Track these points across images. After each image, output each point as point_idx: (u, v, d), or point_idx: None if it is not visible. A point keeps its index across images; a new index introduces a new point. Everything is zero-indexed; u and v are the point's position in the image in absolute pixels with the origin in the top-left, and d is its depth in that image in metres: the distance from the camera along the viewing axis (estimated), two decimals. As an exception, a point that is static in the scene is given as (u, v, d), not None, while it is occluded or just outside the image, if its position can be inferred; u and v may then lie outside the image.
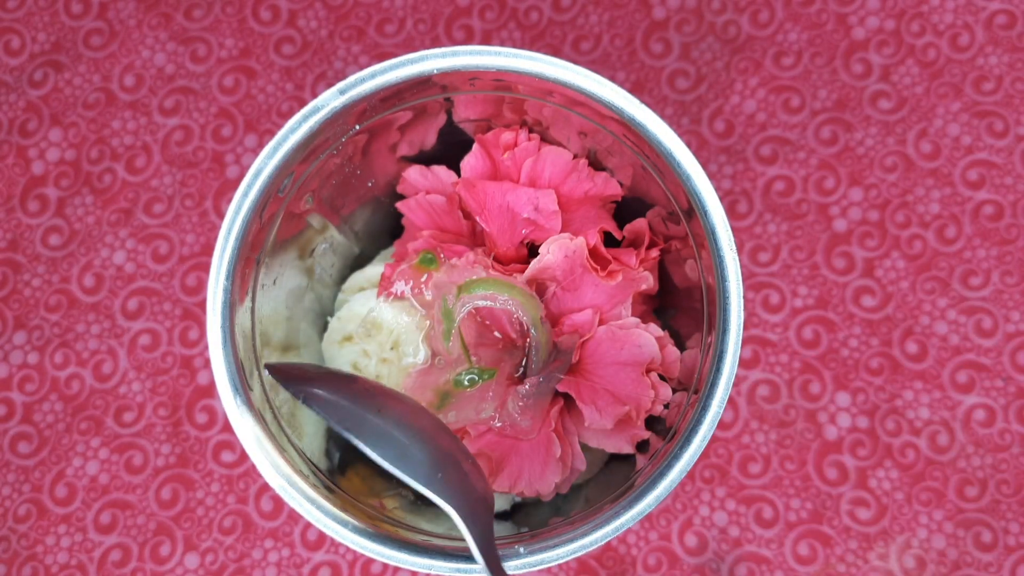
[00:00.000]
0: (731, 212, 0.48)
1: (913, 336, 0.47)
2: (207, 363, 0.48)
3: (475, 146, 0.41)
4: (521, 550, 0.34)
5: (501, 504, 0.42)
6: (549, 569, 0.46)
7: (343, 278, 0.45)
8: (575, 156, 0.41)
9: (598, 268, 0.39)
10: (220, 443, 0.48)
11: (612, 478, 0.41)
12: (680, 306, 0.41)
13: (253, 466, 0.47)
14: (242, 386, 0.35)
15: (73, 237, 0.50)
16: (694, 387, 0.36)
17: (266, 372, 0.33)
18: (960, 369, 0.47)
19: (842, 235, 0.48)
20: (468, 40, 0.51)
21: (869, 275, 0.48)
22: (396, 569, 0.46)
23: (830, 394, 0.47)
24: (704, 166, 0.35)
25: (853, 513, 0.46)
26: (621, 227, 0.42)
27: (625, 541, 0.46)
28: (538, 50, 0.50)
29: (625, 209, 0.42)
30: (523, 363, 0.40)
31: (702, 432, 0.34)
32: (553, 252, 0.39)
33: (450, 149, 0.42)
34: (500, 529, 0.40)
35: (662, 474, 0.34)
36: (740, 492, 0.46)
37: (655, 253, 0.40)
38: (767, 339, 0.47)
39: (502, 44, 0.51)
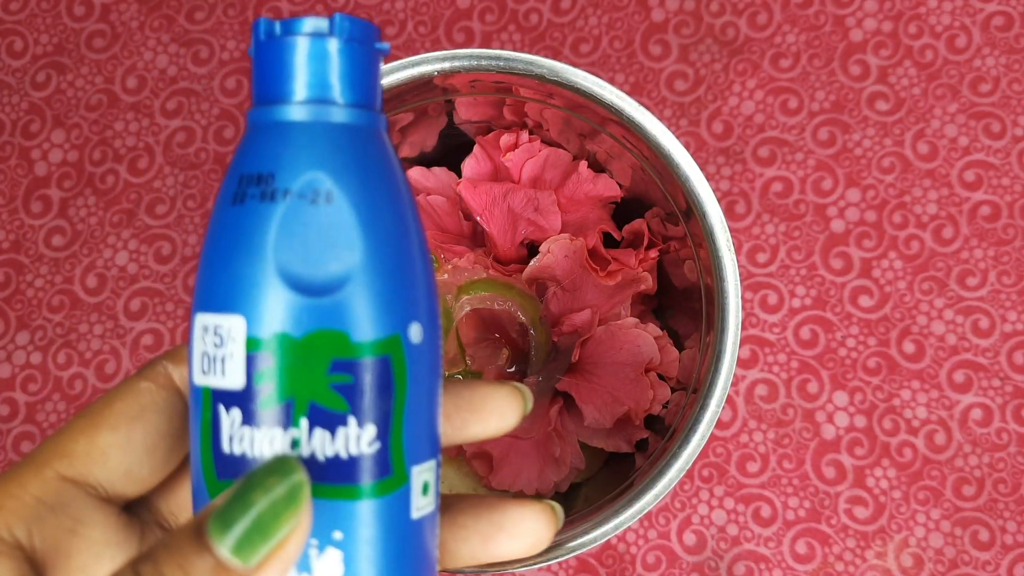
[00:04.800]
0: (729, 213, 0.49)
1: (910, 336, 0.47)
2: (209, 363, 0.49)
3: (476, 148, 0.41)
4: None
5: (501, 503, 0.42)
6: (549, 568, 0.46)
7: (344, 278, 0.45)
8: (575, 158, 0.41)
9: (598, 268, 0.39)
10: (222, 442, 0.48)
11: (611, 477, 0.41)
12: (679, 306, 0.42)
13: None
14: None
15: (76, 238, 0.50)
16: (692, 387, 0.37)
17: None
18: (957, 369, 0.47)
19: (840, 235, 0.48)
20: (468, 42, 0.51)
21: (867, 275, 0.48)
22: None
23: (828, 393, 0.47)
24: (702, 167, 0.35)
25: (851, 512, 0.46)
26: (620, 228, 0.42)
27: (624, 539, 0.46)
28: (538, 52, 0.51)
29: (624, 210, 0.42)
30: (514, 363, 0.40)
31: (700, 431, 0.34)
32: (553, 252, 0.39)
33: (451, 151, 0.42)
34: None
35: (661, 473, 0.34)
36: (738, 491, 0.46)
37: (654, 254, 0.40)
38: (765, 339, 0.48)
39: (502, 46, 0.51)
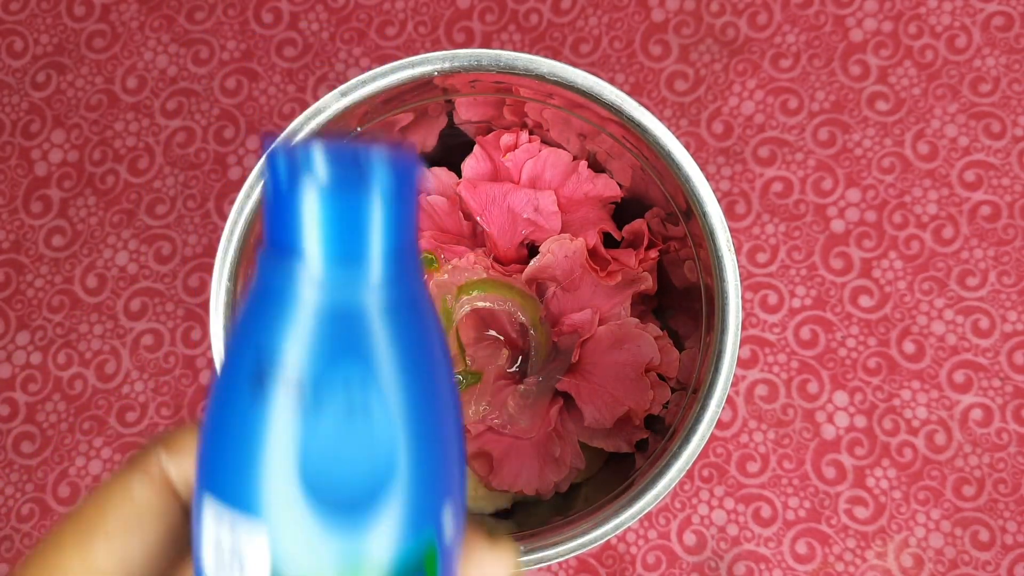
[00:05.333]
0: (729, 213, 0.49)
1: (911, 336, 0.47)
2: (209, 363, 0.49)
3: (476, 148, 0.41)
4: (521, 548, 0.34)
5: (501, 503, 0.42)
6: (549, 568, 0.46)
7: (344, 279, 0.45)
8: (575, 158, 0.41)
9: (598, 268, 0.39)
10: (222, 443, 0.48)
11: (611, 477, 0.41)
12: (679, 306, 0.42)
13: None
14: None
15: (76, 238, 0.50)
16: (693, 387, 0.37)
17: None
18: (957, 369, 0.47)
19: (840, 236, 0.48)
20: (468, 42, 0.51)
21: (867, 275, 0.48)
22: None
23: (828, 394, 0.47)
24: (702, 167, 0.35)
25: (851, 512, 0.46)
26: (620, 228, 0.42)
27: (624, 540, 0.46)
28: (538, 52, 0.51)
29: (624, 210, 0.42)
30: (514, 363, 0.40)
31: (701, 431, 0.34)
32: (553, 252, 0.39)
33: (451, 151, 0.42)
34: (500, 528, 0.41)
35: (661, 473, 0.34)
36: (739, 491, 0.46)
37: (654, 254, 0.40)
38: (765, 339, 0.48)
39: (502, 46, 0.51)
